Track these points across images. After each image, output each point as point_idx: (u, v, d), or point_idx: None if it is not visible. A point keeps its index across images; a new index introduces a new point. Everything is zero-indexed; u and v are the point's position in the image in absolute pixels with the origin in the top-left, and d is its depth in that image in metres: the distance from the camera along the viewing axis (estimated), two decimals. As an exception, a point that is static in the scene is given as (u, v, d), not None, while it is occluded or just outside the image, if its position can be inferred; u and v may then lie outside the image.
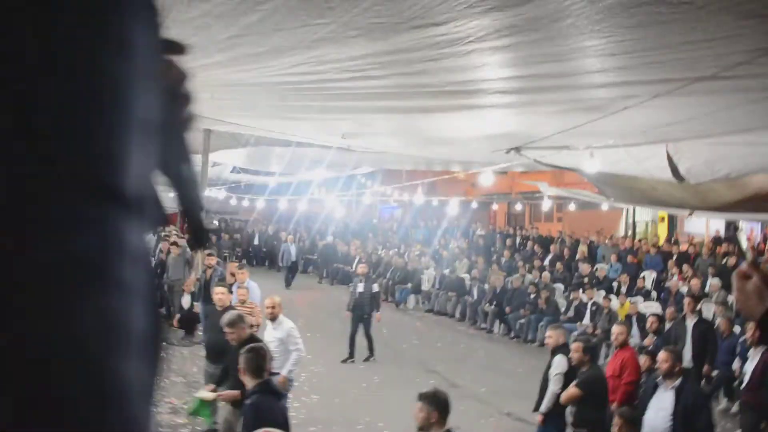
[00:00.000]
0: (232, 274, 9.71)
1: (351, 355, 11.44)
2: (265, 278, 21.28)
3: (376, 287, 11.50)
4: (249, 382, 4.48)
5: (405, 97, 5.17)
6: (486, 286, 15.55)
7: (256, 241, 26.91)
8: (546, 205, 16.64)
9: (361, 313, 11.37)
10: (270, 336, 6.92)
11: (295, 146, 12.23)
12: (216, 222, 30.70)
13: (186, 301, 12.54)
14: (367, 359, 11.46)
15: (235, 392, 5.21)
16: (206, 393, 6.09)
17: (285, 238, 22.17)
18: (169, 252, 14.10)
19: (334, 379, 10.42)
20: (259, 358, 4.52)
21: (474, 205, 22.57)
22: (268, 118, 6.55)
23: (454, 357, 12.27)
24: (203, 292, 11.16)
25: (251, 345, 4.61)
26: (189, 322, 12.26)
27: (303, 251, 23.70)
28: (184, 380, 9.81)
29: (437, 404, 4.13)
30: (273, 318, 6.95)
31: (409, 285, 17.89)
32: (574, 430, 5.67)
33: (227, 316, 5.88)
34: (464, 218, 23.96)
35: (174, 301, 13.26)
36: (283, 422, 4.40)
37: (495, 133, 6.27)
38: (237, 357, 4.68)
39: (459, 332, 14.71)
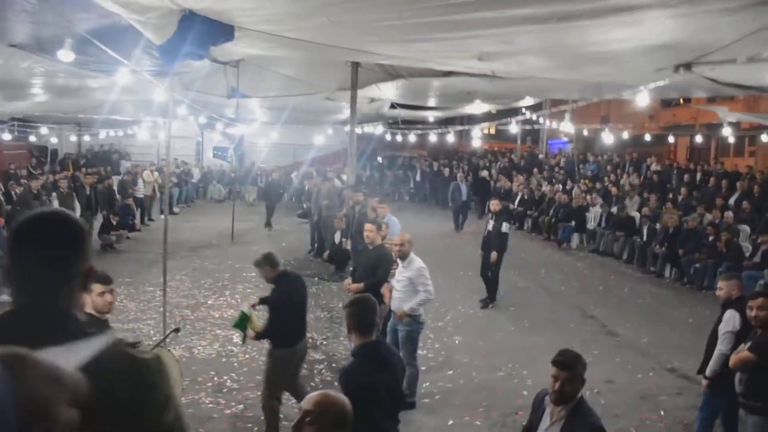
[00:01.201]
0: (374, 210, 9.47)
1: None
2: (429, 217, 21.16)
3: (505, 227, 10.57)
4: (354, 340, 3.77)
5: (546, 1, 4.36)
6: (658, 226, 14.08)
7: (417, 178, 26.78)
8: (733, 136, 14.47)
9: (488, 252, 10.63)
10: (400, 275, 6.59)
11: (450, 77, 11.63)
12: (380, 159, 31.05)
13: (337, 236, 12.63)
14: (485, 305, 10.60)
15: None
16: (249, 308, 5.81)
17: (456, 176, 20.98)
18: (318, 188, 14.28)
19: (481, 320, 9.96)
20: (368, 312, 3.77)
21: (648, 137, 20.54)
22: (392, 42, 5.99)
23: (616, 302, 11.24)
24: (351, 228, 11.15)
25: (357, 297, 3.91)
26: (339, 257, 12.35)
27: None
28: (328, 315, 9.89)
29: None
30: (402, 256, 6.58)
31: (573, 223, 16.73)
32: (743, 403, 4.68)
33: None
34: (639, 152, 21.92)
35: (326, 236, 13.44)
36: (387, 395, 3.61)
37: (658, 43, 5.20)
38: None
39: (624, 275, 13.49)
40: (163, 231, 7.73)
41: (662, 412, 6.61)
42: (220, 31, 6.44)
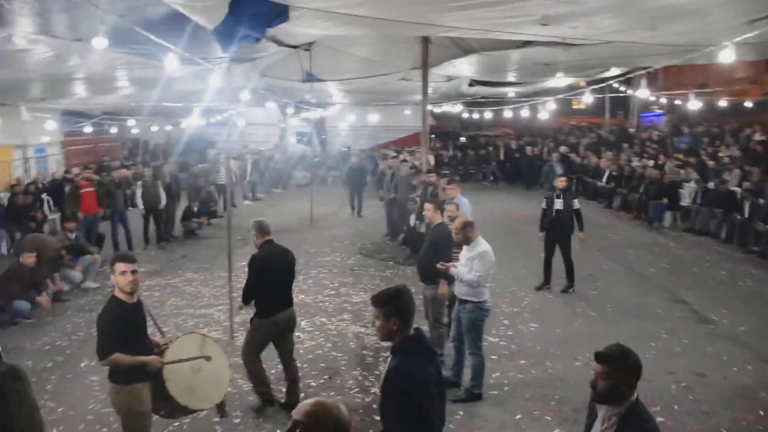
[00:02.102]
0: (444, 190, 9.09)
1: (546, 281, 10.16)
2: (513, 198, 20.51)
3: (576, 203, 9.89)
4: (399, 335, 3.30)
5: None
6: (761, 201, 12.90)
7: (501, 157, 25.97)
8: None
9: (559, 234, 9.94)
10: (463, 257, 6.25)
11: (525, 48, 11.03)
12: (463, 138, 30.43)
13: (411, 219, 12.34)
14: (565, 290, 9.99)
15: None
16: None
17: (551, 157, 19.52)
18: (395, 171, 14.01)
19: (560, 306, 9.41)
20: (409, 303, 3.34)
21: (749, 105, 18.88)
22: (450, 11, 5.57)
23: (711, 286, 10.36)
24: (422, 210, 10.83)
25: (394, 287, 3.46)
26: (414, 241, 12.05)
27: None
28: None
29: None
30: (464, 241, 6.24)
31: (665, 200, 15.67)
32: None
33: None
34: (739, 122, 20.28)
35: (402, 219, 13.19)
36: (437, 392, 3.26)
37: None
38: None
39: (722, 256, 12.46)
40: (245, 217, 7.72)
41: (761, 412, 5.92)
42: (273, 11, 6.26)
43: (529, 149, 24.14)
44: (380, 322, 3.26)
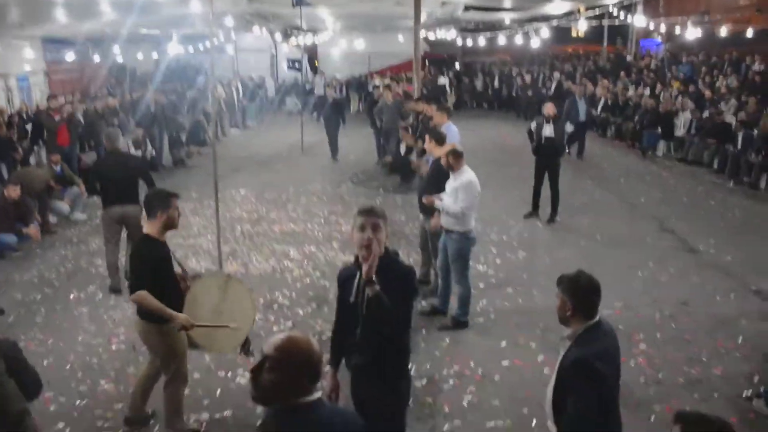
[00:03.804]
0: (430, 117, 8.90)
1: (535, 209, 10.13)
2: (508, 126, 20.26)
3: (569, 126, 9.66)
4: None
5: None
6: (755, 133, 12.78)
7: (495, 85, 25.50)
8: None
9: (548, 161, 9.82)
10: (449, 186, 6.15)
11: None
12: (457, 65, 29.87)
13: (402, 147, 12.19)
14: (550, 220, 9.93)
15: None
16: None
17: (574, 88, 16.82)
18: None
19: (549, 235, 9.43)
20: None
21: (750, 33, 18.43)
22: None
23: (701, 215, 10.36)
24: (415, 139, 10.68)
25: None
26: (405, 169, 11.94)
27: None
28: (390, 229, 9.61)
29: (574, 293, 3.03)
30: (450, 168, 6.11)
31: (659, 130, 15.50)
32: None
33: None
34: (739, 51, 19.86)
35: (388, 144, 13.08)
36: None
37: None
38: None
39: (713, 186, 12.41)
40: (234, 146, 7.57)
41: (740, 339, 6.00)
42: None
43: (525, 77, 23.65)
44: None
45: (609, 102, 18.43)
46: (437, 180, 6.49)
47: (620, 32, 26.67)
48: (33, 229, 9.03)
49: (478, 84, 26.14)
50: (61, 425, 4.70)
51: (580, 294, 3.02)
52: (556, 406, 3.07)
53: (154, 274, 4.11)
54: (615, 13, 21.15)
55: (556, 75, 22.42)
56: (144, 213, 4.32)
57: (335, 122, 14.85)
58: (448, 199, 6.05)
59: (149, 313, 4.16)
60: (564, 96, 17.44)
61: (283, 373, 1.96)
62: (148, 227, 4.25)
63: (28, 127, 13.31)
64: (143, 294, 4.05)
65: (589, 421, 2.85)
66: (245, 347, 4.63)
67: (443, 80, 24.78)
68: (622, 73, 21.60)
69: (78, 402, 5.05)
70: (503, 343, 5.99)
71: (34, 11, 13.44)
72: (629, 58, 25.23)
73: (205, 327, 4.26)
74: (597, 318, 3.05)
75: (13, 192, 8.87)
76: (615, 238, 9.15)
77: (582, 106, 15.12)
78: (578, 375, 2.89)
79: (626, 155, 15.61)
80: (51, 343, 6.11)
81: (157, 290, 4.08)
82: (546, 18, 21.27)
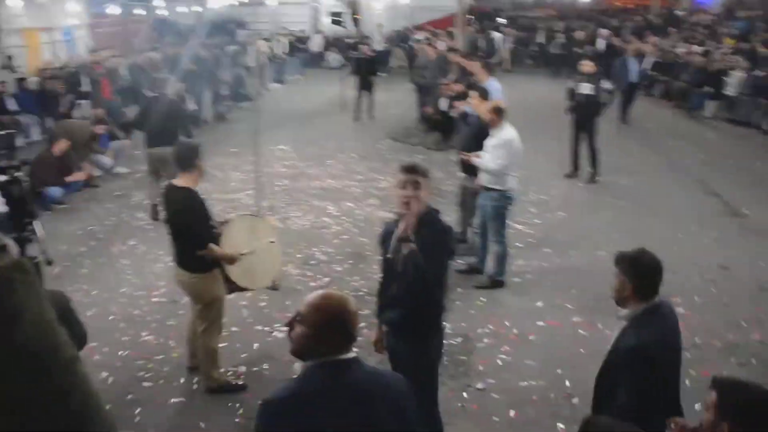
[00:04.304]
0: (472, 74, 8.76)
1: (575, 169, 10.01)
2: (549, 82, 19.77)
3: (608, 84, 9.38)
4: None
5: None
6: (811, 92, 12.28)
7: (541, 40, 24.78)
8: None
9: (586, 119, 9.65)
10: (488, 143, 6.09)
11: None
12: (503, 20, 29.11)
13: (443, 103, 12.03)
14: (590, 179, 9.82)
15: None
16: None
17: (626, 48, 16.06)
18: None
19: (590, 195, 9.31)
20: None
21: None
22: None
23: (748, 179, 10.05)
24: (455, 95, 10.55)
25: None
26: (445, 125, 11.82)
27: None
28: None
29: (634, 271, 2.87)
30: (491, 124, 6.05)
31: (710, 89, 14.97)
32: None
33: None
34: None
35: (428, 100, 12.93)
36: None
37: None
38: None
39: (762, 148, 11.98)
40: (275, 101, 7.59)
41: (783, 306, 5.91)
42: None
43: (573, 34, 22.91)
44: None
45: (658, 60, 17.83)
46: (478, 138, 6.43)
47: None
48: (81, 173, 9.28)
49: (523, 40, 25.46)
50: (104, 374, 4.86)
51: (641, 274, 2.87)
52: (600, 388, 3.00)
53: (208, 221, 4.32)
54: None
55: (604, 31, 21.71)
56: (178, 167, 4.39)
57: (367, 81, 14.73)
58: (486, 156, 6.00)
59: (191, 263, 4.32)
60: (613, 54, 16.90)
61: (315, 328, 2.02)
62: (185, 180, 4.32)
63: (74, 80, 13.54)
64: (212, 247, 4.26)
65: (639, 411, 2.73)
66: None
67: (495, 35, 24.07)
68: (673, 30, 20.85)
69: (120, 353, 5.23)
70: (539, 303, 6.00)
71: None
72: (681, 13, 24.28)
73: (250, 254, 4.51)
74: (657, 299, 2.91)
75: (64, 145, 9.05)
76: (657, 200, 8.99)
77: (634, 66, 14.29)
78: (633, 364, 2.77)
79: (672, 115, 15.18)
80: (95, 293, 6.30)
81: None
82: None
